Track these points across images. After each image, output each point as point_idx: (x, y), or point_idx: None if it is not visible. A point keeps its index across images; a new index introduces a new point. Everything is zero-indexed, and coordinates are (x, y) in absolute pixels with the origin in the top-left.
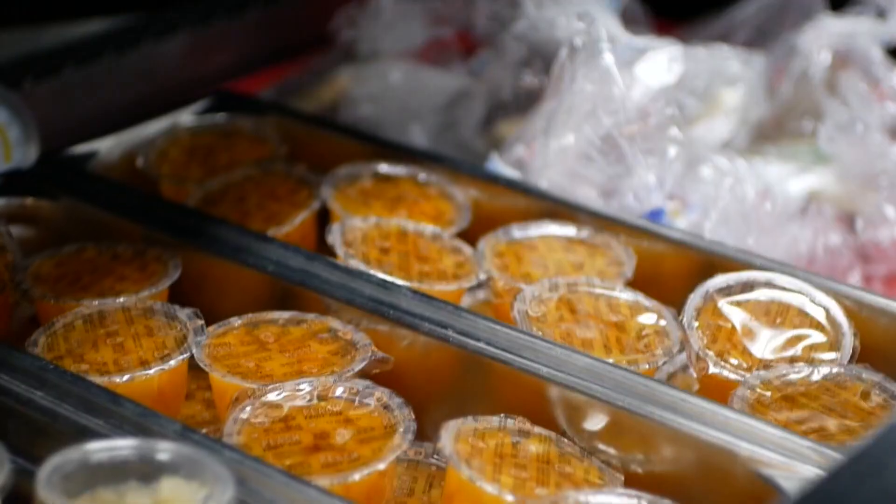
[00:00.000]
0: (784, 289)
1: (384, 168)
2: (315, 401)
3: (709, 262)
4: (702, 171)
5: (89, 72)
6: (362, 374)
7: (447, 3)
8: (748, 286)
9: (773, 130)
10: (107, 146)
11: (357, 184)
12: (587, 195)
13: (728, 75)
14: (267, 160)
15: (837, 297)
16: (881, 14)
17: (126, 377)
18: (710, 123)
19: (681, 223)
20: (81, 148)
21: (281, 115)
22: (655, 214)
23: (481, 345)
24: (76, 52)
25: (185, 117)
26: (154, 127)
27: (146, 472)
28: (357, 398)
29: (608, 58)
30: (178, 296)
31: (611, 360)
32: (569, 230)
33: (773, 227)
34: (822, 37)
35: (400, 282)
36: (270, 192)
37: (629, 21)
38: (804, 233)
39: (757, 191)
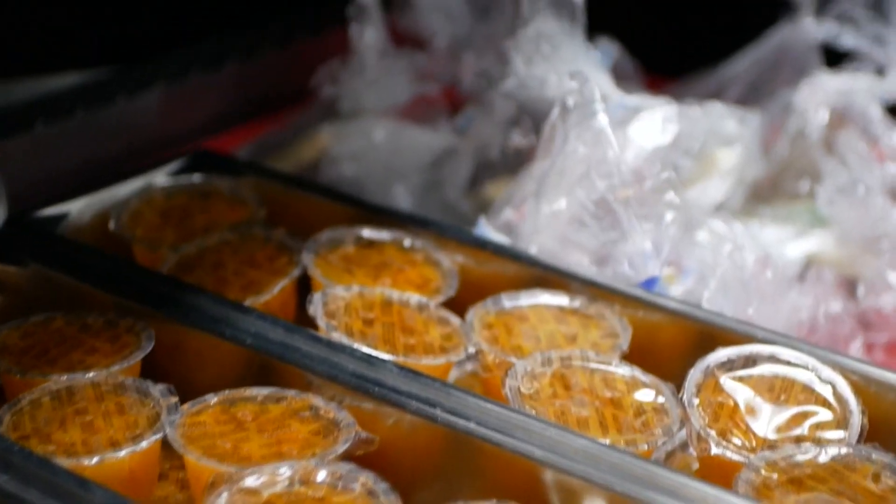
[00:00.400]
0: (788, 363)
1: (367, 233)
2: (296, 486)
3: (708, 333)
4: (698, 235)
5: (60, 128)
6: (345, 456)
7: (433, 59)
8: (750, 360)
9: (769, 191)
10: (78, 208)
11: (339, 249)
12: (580, 262)
13: (724, 135)
14: (245, 223)
15: (844, 371)
16: (880, 71)
17: (95, 459)
18: (705, 185)
19: (675, 290)
20: (51, 210)
21: (259, 176)
22: (650, 283)
23: (471, 424)
24: (47, 108)
25: (160, 177)
26: (127, 187)
27: None
28: (340, 483)
29: (602, 119)
30: (151, 369)
31: (608, 441)
32: (561, 299)
33: (774, 295)
34: (818, 94)
35: (385, 356)
36: (249, 257)
37: (620, 77)
38: (805, 300)
39: (756, 257)
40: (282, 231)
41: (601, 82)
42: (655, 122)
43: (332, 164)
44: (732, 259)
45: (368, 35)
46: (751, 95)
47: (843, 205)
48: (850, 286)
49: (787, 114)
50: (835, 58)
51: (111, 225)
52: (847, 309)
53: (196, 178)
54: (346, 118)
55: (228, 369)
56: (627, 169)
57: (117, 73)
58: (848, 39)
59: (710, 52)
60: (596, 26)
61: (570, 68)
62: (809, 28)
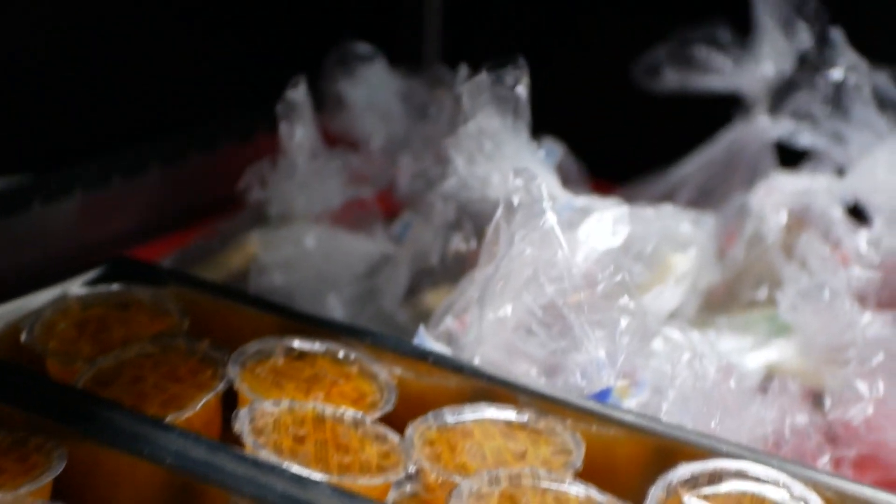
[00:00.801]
0: (757, 479)
1: (298, 344)
2: None
3: (669, 448)
4: (653, 344)
5: None
6: None
7: (367, 161)
8: (716, 477)
9: (724, 298)
10: None
11: (268, 362)
12: (527, 373)
13: (678, 237)
14: (166, 335)
15: (817, 487)
16: (839, 170)
17: None
18: (659, 291)
19: (629, 403)
20: None
21: (183, 285)
22: (603, 395)
23: None
24: None
25: (76, 287)
26: (41, 298)
27: None
28: None
29: (550, 218)
30: (63, 491)
31: None
32: (508, 413)
33: (737, 407)
34: (775, 195)
35: (317, 476)
36: (170, 371)
37: (565, 179)
38: (769, 412)
39: (718, 367)
40: (206, 343)
41: (548, 181)
42: (606, 223)
43: (262, 273)
44: (692, 368)
45: (299, 134)
46: (703, 199)
47: (807, 311)
48: (815, 398)
49: (743, 217)
50: (791, 157)
51: (23, 337)
52: (813, 422)
53: (115, 287)
54: (275, 223)
55: (147, 491)
56: (578, 272)
57: (33, 180)
58: (805, 137)
59: (660, 157)
60: (539, 129)
61: (514, 166)
62: (764, 126)
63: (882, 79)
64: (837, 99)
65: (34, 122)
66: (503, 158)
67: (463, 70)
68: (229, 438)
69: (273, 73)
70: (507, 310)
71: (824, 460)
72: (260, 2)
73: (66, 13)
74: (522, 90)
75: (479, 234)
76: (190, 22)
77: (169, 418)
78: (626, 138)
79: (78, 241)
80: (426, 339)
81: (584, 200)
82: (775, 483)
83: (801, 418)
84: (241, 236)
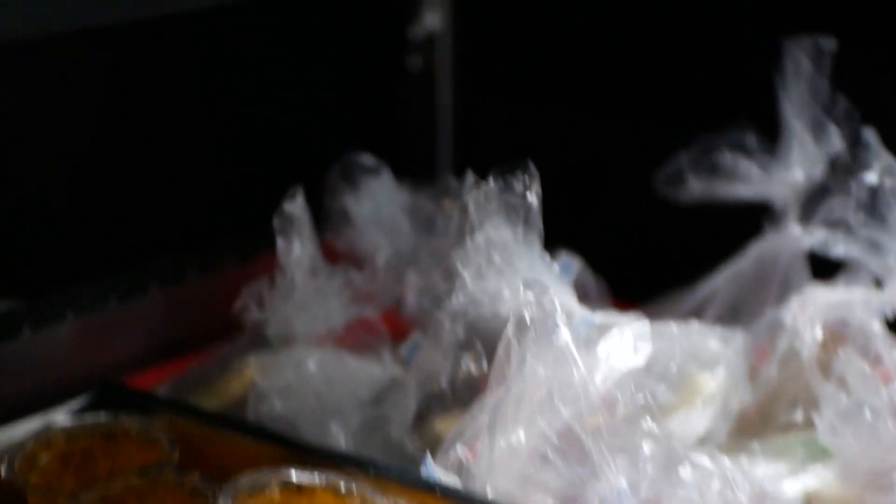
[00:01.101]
0: None
1: (296, 476)
2: None
3: None
4: (680, 472)
5: None
6: None
7: (371, 278)
8: None
9: (757, 422)
10: None
11: (262, 495)
12: None
13: (704, 356)
14: (154, 467)
15: None
16: (877, 281)
17: None
18: (685, 414)
19: None
20: None
21: (174, 413)
22: None
23: None
24: None
25: (61, 416)
26: (24, 428)
27: None
28: None
29: (564, 333)
30: None
31: None
32: None
33: None
34: (809, 309)
35: None
36: None
37: (583, 296)
38: None
39: (751, 495)
40: (196, 475)
41: (562, 296)
42: (626, 340)
43: (261, 400)
44: (724, 498)
45: (297, 249)
46: (732, 315)
47: (847, 433)
48: None
49: (776, 332)
50: (826, 268)
51: (2, 471)
52: None
53: (101, 416)
54: (275, 347)
55: None
56: (596, 393)
57: (22, 306)
58: (839, 247)
59: (685, 272)
60: (553, 243)
61: (526, 278)
62: (795, 236)
63: None
64: (873, 205)
65: (25, 244)
66: (514, 272)
67: (469, 178)
68: None
69: (277, 188)
70: (521, 436)
71: None
72: (263, 117)
73: (58, 134)
74: (533, 198)
75: (491, 354)
76: (189, 136)
77: None
78: (648, 252)
79: (71, 370)
80: (434, 470)
81: (603, 316)
82: None
83: None
84: (238, 361)
